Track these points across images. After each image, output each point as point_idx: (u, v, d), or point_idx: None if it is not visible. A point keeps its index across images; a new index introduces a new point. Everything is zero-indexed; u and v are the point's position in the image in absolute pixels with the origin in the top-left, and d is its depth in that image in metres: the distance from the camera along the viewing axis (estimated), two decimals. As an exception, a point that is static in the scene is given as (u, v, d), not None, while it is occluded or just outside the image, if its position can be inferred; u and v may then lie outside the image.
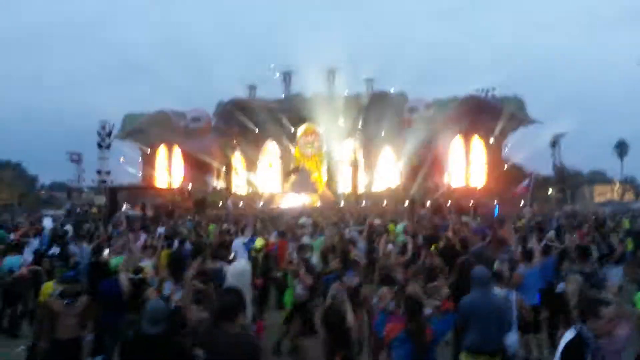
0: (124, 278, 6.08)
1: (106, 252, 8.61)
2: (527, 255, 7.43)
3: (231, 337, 3.55)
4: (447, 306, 5.30)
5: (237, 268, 7.12)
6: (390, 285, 5.66)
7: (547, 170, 46.27)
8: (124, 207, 32.15)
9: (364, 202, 36.20)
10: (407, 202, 31.12)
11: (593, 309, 3.35)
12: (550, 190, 41.02)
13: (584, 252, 7.47)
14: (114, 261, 7.18)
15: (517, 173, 37.30)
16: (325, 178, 45.12)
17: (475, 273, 5.17)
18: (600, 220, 18.24)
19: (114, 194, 28.92)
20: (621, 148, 58.13)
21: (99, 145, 39.34)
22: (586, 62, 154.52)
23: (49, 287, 6.05)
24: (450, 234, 9.83)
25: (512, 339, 5.46)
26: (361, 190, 40.64)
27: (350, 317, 5.19)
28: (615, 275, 8.33)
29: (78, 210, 31.07)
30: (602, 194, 56.77)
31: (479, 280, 5.09)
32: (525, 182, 20.24)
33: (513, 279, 6.74)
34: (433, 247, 9.17)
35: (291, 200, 38.24)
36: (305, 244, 8.82)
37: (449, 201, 32.72)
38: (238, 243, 9.99)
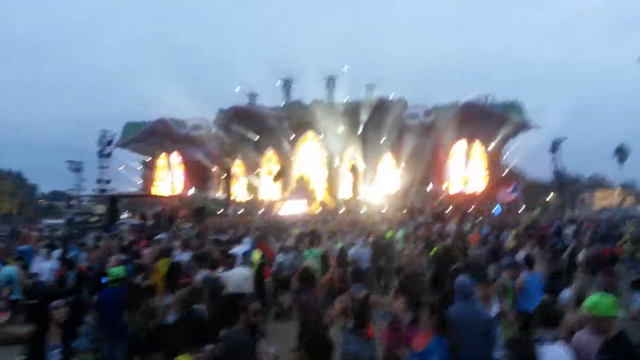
0: None
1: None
2: (529, 261, 7.43)
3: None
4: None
5: (238, 275, 7.10)
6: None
7: (547, 176, 46.30)
8: (124, 215, 32.22)
9: (364, 209, 36.15)
10: (406, 209, 31.16)
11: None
12: (550, 196, 40.93)
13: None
14: (115, 270, 6.79)
15: (516, 179, 37.28)
16: (325, 185, 45.12)
17: (457, 283, 4.93)
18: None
19: (114, 203, 28.93)
20: (621, 153, 58.05)
21: (99, 154, 39.31)
22: (586, 68, 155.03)
23: None
24: (448, 240, 9.85)
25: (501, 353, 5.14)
26: (361, 197, 40.61)
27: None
28: None
29: (78, 219, 30.99)
30: (602, 199, 56.62)
31: (460, 290, 4.87)
32: (511, 190, 19.56)
33: (517, 285, 6.78)
34: (432, 252, 9.21)
35: (290, 208, 38.19)
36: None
37: (449, 207, 32.82)
38: (236, 252, 9.77)
